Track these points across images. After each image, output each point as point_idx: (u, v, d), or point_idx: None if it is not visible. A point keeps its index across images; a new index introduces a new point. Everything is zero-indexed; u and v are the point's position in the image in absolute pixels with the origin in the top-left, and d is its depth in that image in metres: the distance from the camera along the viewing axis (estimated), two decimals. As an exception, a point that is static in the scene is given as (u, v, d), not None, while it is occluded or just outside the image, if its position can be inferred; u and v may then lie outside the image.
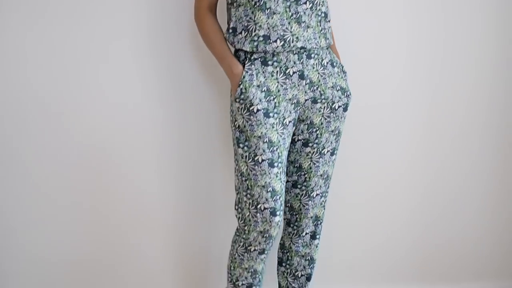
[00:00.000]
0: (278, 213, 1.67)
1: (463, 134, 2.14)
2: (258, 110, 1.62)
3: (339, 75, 1.72)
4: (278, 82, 1.64)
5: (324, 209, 1.86)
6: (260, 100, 1.62)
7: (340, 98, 1.71)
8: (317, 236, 1.87)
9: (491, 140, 2.16)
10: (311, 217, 1.84)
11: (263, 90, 1.63)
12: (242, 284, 1.80)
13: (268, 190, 1.65)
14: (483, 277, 2.24)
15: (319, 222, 1.86)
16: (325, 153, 1.76)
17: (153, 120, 2.03)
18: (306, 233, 1.87)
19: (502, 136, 2.15)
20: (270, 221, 1.66)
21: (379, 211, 2.18)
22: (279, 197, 1.67)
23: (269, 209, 1.66)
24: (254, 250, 1.74)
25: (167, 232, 2.12)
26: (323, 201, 1.83)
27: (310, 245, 1.88)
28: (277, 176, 1.66)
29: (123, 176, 2.06)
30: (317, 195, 1.81)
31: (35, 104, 1.98)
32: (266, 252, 1.75)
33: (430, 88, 2.10)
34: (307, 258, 1.90)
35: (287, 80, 1.65)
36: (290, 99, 1.65)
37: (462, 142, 2.15)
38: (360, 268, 2.22)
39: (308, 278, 1.92)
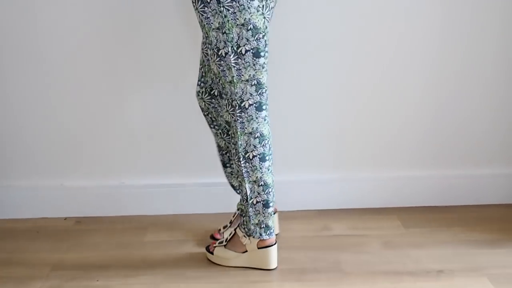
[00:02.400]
0: (264, 107, 1.67)
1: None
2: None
3: None
4: None
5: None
6: None
7: None
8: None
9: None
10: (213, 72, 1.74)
11: None
12: (257, 202, 1.79)
13: (253, 83, 1.63)
14: (490, 163, 2.29)
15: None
16: None
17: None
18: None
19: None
20: (257, 117, 1.68)
21: (391, 95, 2.20)
22: (265, 90, 1.66)
23: (254, 105, 1.67)
24: (254, 157, 1.72)
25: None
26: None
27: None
28: (263, 68, 1.62)
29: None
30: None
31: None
32: (267, 158, 1.73)
33: None
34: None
35: None
36: None
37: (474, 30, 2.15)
38: (370, 154, 2.27)
39: None
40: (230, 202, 2.01)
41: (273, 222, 1.84)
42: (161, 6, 2.06)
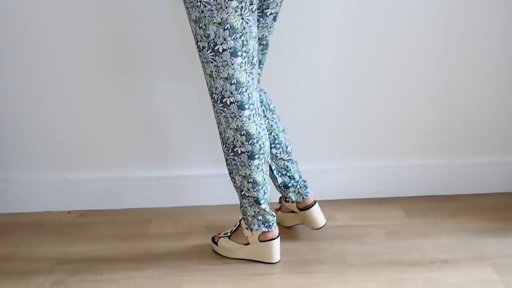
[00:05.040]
0: (246, 106, 1.63)
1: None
2: None
3: None
4: None
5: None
6: None
7: None
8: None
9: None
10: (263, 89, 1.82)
11: None
12: (248, 196, 1.77)
13: (232, 82, 1.60)
14: (494, 151, 2.29)
15: None
16: None
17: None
18: (274, 106, 1.87)
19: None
20: (240, 116, 1.63)
21: (393, 85, 2.19)
22: (246, 89, 1.62)
23: (235, 103, 1.63)
24: (242, 153, 1.69)
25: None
26: None
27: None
28: (241, 67, 1.59)
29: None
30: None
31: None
32: (257, 156, 1.69)
33: None
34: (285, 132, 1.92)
35: None
36: None
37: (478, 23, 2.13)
38: (373, 144, 2.28)
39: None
40: (233, 193, 2.00)
41: (315, 213, 1.89)
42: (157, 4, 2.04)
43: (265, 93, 1.89)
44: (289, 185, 1.93)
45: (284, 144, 1.89)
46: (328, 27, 2.09)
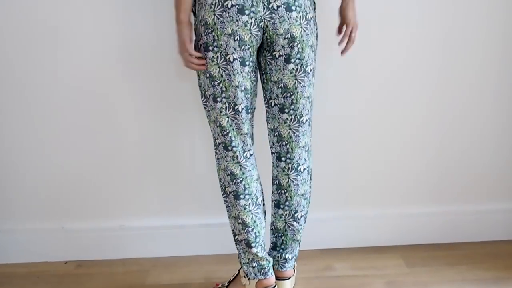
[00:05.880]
0: (229, 148, 1.71)
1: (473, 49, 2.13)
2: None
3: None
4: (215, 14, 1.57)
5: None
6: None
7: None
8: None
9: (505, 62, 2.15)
10: (303, 147, 1.77)
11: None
12: (240, 240, 1.79)
13: (217, 125, 1.70)
14: (495, 197, 2.28)
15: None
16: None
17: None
18: (305, 169, 1.80)
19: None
20: (225, 156, 1.73)
21: (391, 133, 2.19)
22: (227, 133, 1.69)
23: (222, 144, 1.72)
24: (230, 192, 1.73)
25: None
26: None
27: (307, 181, 1.82)
28: (221, 112, 1.67)
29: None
30: (306, 120, 1.75)
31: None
32: (242, 197, 1.73)
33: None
34: (305, 197, 1.84)
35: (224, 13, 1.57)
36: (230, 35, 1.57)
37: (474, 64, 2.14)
38: (372, 192, 2.26)
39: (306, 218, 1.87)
40: (231, 242, 1.99)
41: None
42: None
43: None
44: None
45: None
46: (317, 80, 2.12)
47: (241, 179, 1.73)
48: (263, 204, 1.83)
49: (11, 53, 2.06)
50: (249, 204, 1.75)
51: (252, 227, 1.76)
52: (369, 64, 2.10)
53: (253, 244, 1.76)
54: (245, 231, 1.76)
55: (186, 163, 2.21)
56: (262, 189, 1.82)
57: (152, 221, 2.26)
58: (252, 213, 1.76)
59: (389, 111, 2.17)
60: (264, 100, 1.76)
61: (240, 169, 1.72)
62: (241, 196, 1.73)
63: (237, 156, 1.72)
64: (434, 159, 2.23)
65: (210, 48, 1.58)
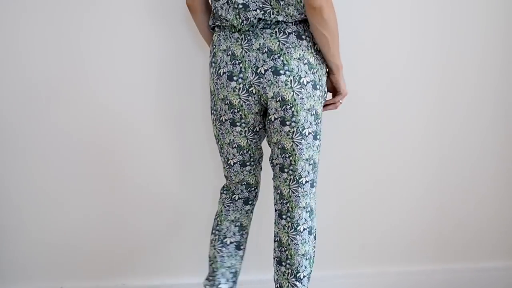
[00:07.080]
0: (223, 191, 1.89)
1: (473, 114, 2.20)
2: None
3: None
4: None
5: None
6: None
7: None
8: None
9: (501, 120, 2.22)
10: (303, 207, 1.76)
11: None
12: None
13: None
14: (498, 256, 2.30)
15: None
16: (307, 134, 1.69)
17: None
18: (305, 229, 1.78)
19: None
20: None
21: (391, 193, 2.23)
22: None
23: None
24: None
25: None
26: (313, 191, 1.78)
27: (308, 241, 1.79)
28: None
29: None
30: (306, 182, 1.74)
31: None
32: (213, 231, 1.87)
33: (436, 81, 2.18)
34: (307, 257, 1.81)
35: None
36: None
37: (473, 124, 2.20)
38: (373, 251, 2.27)
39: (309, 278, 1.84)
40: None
41: None
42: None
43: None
44: None
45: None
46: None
47: (218, 215, 1.89)
48: (242, 250, 1.89)
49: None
50: (215, 239, 1.87)
51: (211, 262, 1.86)
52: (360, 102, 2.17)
53: (210, 277, 1.86)
54: (209, 264, 1.88)
55: (186, 220, 2.23)
56: (244, 235, 1.89)
57: (153, 280, 2.25)
58: (215, 249, 1.86)
59: (387, 168, 2.22)
60: (269, 160, 1.81)
61: (222, 207, 1.88)
62: (213, 231, 1.89)
63: (225, 198, 1.89)
64: (434, 217, 2.27)
65: (211, 111, 1.78)
